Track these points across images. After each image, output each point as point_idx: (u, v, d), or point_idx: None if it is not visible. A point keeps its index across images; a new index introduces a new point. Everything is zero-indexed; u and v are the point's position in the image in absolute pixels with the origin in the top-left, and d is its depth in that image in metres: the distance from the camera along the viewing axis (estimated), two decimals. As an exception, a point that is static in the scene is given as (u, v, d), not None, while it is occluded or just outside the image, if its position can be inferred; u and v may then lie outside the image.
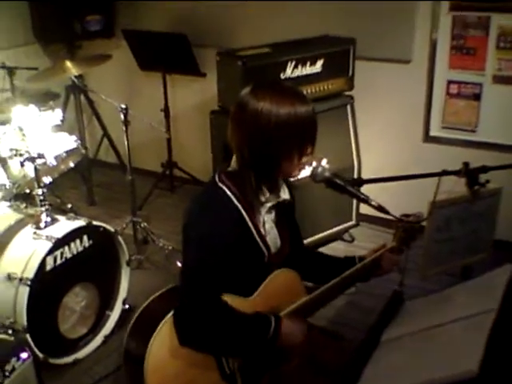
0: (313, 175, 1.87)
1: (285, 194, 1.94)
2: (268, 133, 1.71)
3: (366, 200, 1.88)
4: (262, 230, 1.87)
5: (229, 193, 1.80)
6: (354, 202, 3.90)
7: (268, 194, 1.86)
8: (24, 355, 2.14)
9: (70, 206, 4.10)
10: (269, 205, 1.88)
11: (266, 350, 1.79)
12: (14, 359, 2.10)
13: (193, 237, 1.77)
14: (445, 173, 2.06)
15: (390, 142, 3.98)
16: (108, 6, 4.68)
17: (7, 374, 2.06)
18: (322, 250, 3.82)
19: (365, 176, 3.54)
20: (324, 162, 1.90)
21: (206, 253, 1.72)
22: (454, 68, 3.64)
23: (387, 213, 1.86)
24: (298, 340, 1.83)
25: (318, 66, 3.52)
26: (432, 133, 3.82)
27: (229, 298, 1.78)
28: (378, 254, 2.01)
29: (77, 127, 4.46)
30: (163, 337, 1.71)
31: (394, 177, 2.09)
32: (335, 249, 3.90)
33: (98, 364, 2.91)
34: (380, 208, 1.86)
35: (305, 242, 3.59)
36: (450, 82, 3.68)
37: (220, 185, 1.82)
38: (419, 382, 1.40)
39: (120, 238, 3.04)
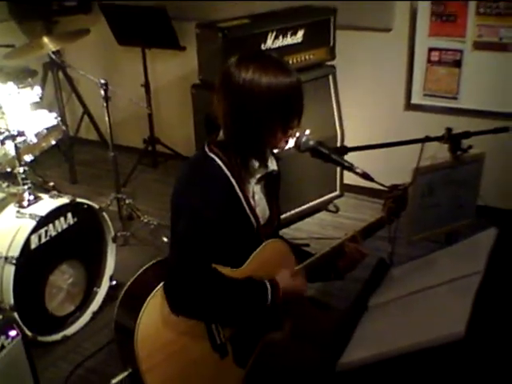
0: (297, 145, 1.87)
1: (272, 165, 1.94)
2: (250, 103, 1.71)
3: (350, 168, 1.88)
4: (251, 200, 1.87)
5: (219, 162, 1.79)
6: (338, 172, 3.91)
7: (257, 165, 1.86)
8: (13, 333, 2.13)
9: (52, 184, 4.07)
10: (258, 176, 1.88)
11: (265, 313, 1.81)
12: (2, 337, 2.09)
13: (184, 206, 1.76)
14: (428, 139, 2.07)
15: (372, 111, 3.98)
16: (84, -20, 4.59)
17: (-4, 352, 2.05)
18: (307, 220, 3.88)
19: (348, 146, 3.55)
20: (307, 133, 1.89)
21: (197, 221, 1.72)
22: (434, 35, 3.63)
23: (372, 180, 1.86)
24: (300, 290, 1.87)
25: (299, 37, 3.50)
26: (414, 100, 3.83)
27: (219, 268, 1.78)
28: (337, 243, 1.97)
29: (56, 105, 4.41)
30: (153, 307, 1.71)
31: (377, 144, 2.10)
32: (320, 219, 3.93)
33: (87, 341, 2.91)
34: (365, 175, 1.87)
35: (290, 213, 3.67)
36: (430, 50, 3.67)
37: (210, 154, 1.81)
38: (407, 344, 1.42)
39: (105, 215, 3.03)
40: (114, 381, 1.75)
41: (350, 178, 3.92)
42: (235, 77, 1.71)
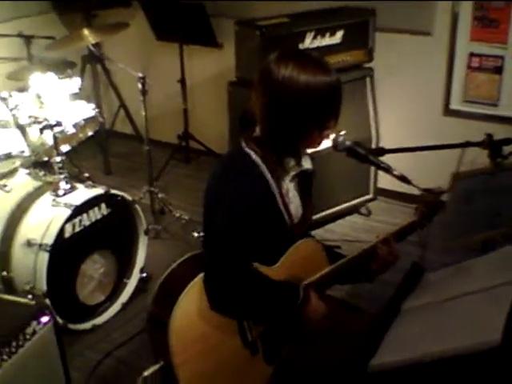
0: (334, 144, 1.86)
1: (307, 164, 1.93)
2: (288, 100, 1.70)
3: (387, 169, 1.86)
4: (285, 197, 1.86)
5: (255, 158, 1.79)
6: (372, 175, 3.88)
7: (292, 163, 1.86)
8: (45, 319, 2.16)
9: (87, 175, 4.11)
10: (292, 173, 1.88)
11: (291, 318, 1.80)
12: (34, 322, 2.12)
13: (220, 199, 1.77)
14: (468, 144, 2.04)
15: (409, 115, 3.93)
16: (125, -25, 4.63)
17: (28, 337, 2.08)
18: (339, 222, 3.86)
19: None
20: (342, 134, 1.88)
21: (238, 213, 1.72)
22: (475, 40, 3.57)
23: (409, 183, 1.84)
24: (319, 315, 1.84)
25: (338, 37, 3.48)
26: (452, 106, 3.77)
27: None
28: (370, 245, 1.95)
29: (93, 97, 4.46)
30: (189, 300, 1.72)
31: (416, 147, 2.08)
32: (353, 222, 3.90)
33: (116, 331, 2.94)
34: (402, 178, 1.85)
35: (322, 214, 3.66)
36: (471, 55, 3.61)
37: (246, 150, 1.81)
38: (441, 350, 1.40)
39: (138, 207, 3.05)
40: (146, 373, 1.75)
41: (383, 182, 3.89)
42: (274, 73, 1.70)
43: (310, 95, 1.70)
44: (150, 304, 1.87)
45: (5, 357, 1.95)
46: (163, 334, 1.69)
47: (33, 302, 2.21)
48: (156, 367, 1.76)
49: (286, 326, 1.87)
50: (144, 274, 3.15)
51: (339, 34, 3.49)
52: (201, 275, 1.73)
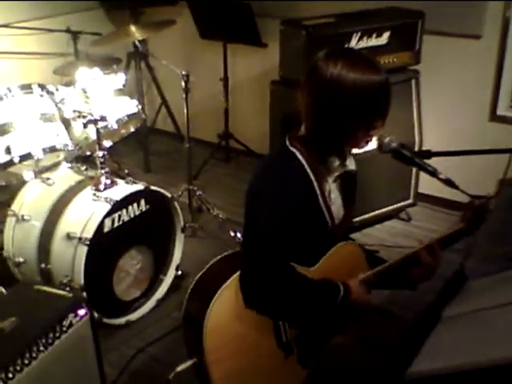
0: (380, 145, 1.83)
1: (351, 165, 1.90)
2: (336, 98, 1.68)
3: (433, 173, 1.81)
4: (327, 198, 1.84)
5: (299, 156, 1.77)
6: (413, 180, 3.80)
7: (336, 163, 1.83)
8: (81, 312, 2.16)
9: (127, 171, 4.15)
10: (336, 174, 1.86)
11: (333, 315, 1.78)
12: (71, 315, 2.12)
13: (265, 197, 1.75)
14: (517, 150, 1.97)
15: (454, 120, 3.85)
16: (172, -27, 4.66)
17: (64, 329, 2.09)
18: (378, 226, 3.80)
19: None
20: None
21: (279, 212, 1.70)
22: (526, 45, 3.48)
23: (456, 187, 1.79)
24: (365, 301, 1.83)
25: (384, 39, 3.42)
26: (499, 112, 3.67)
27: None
28: (413, 250, 1.90)
29: (136, 94, 4.49)
30: (224, 299, 1.71)
31: (463, 151, 2.03)
32: (392, 227, 3.84)
33: (150, 327, 2.95)
34: (448, 181, 1.80)
35: (360, 218, 3.60)
36: (521, 60, 3.52)
37: (291, 148, 1.79)
38: (484, 359, 1.35)
39: (176, 205, 3.06)
40: (178, 368, 1.76)
41: (424, 187, 3.82)
42: (323, 71, 1.68)
43: (358, 94, 1.67)
44: (186, 301, 1.87)
45: (42, 348, 1.95)
46: (198, 331, 1.68)
47: (70, 295, 2.23)
48: (189, 363, 1.76)
49: (325, 325, 1.83)
50: (179, 272, 3.15)
51: (386, 35, 3.43)
52: (237, 274, 1.71)
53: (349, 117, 1.70)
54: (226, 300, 1.71)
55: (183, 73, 3.52)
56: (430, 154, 1.91)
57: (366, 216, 3.68)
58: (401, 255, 1.89)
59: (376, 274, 1.86)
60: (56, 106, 2.95)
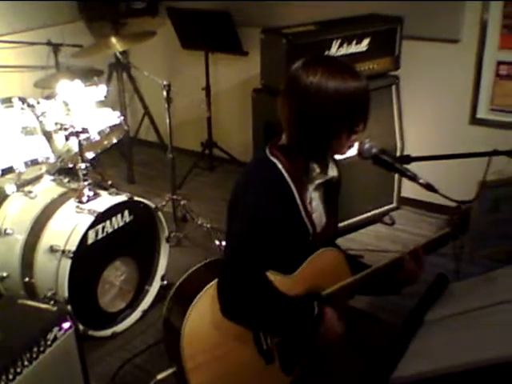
0: (360, 151, 1.84)
1: (333, 172, 1.91)
2: (318, 107, 1.69)
3: (413, 178, 1.83)
4: (308, 206, 1.84)
5: (280, 166, 1.78)
6: (396, 184, 3.83)
7: (318, 171, 1.83)
8: (66, 325, 2.15)
9: (110, 182, 4.13)
10: (317, 182, 1.86)
11: (305, 332, 1.78)
12: (56, 329, 2.11)
13: (242, 207, 1.76)
14: (495, 152, 2.00)
15: (435, 124, 3.88)
16: (152, -16, 4.67)
17: (49, 343, 2.08)
18: (362, 231, 3.82)
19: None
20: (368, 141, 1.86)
21: (254, 224, 1.71)
22: (504, 48, 3.52)
23: (436, 191, 1.81)
24: (334, 335, 1.80)
25: (364, 45, 3.45)
26: (479, 115, 3.71)
27: (271, 274, 1.76)
28: (396, 256, 1.91)
29: (118, 105, 4.49)
30: (203, 305, 1.71)
31: (442, 155, 2.03)
32: (376, 231, 3.86)
33: (136, 338, 2.94)
34: (428, 186, 1.81)
35: (345, 223, 3.62)
36: (499, 63, 3.55)
37: (271, 158, 1.80)
38: (467, 361, 1.36)
39: (160, 215, 3.05)
40: (159, 376, 1.76)
41: (407, 191, 3.85)
42: (303, 80, 1.69)
43: (340, 100, 1.68)
44: (166, 308, 1.87)
45: (26, 362, 1.94)
46: (176, 338, 1.68)
47: (55, 308, 2.21)
48: (169, 371, 1.75)
49: (299, 338, 1.84)
50: (165, 282, 3.14)
51: (365, 42, 3.46)
52: (215, 281, 1.72)
53: (332, 124, 1.71)
54: (205, 306, 1.71)
55: (165, 83, 3.52)
56: (409, 159, 1.92)
57: (350, 221, 3.70)
58: (384, 261, 1.90)
59: (356, 281, 1.87)
60: (37, 119, 2.93)
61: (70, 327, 2.18)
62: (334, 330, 1.80)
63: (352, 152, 1.86)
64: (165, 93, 3.54)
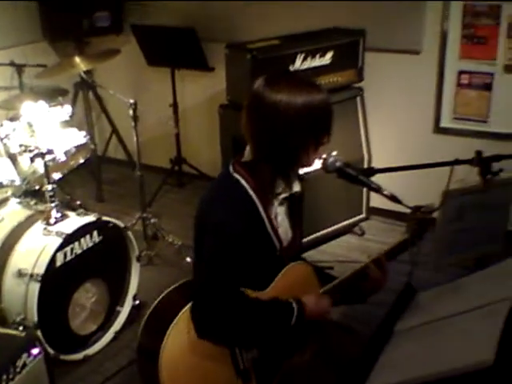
0: (324, 165, 1.86)
1: (296, 186, 1.92)
2: (288, 124, 1.69)
3: (377, 189, 1.85)
4: (274, 222, 1.85)
5: (243, 182, 1.78)
6: (364, 195, 3.88)
7: (283, 186, 1.84)
8: (35, 351, 2.13)
9: (79, 202, 4.10)
10: (282, 197, 1.87)
11: (292, 334, 1.78)
12: (25, 355, 2.09)
13: (207, 226, 1.76)
14: (457, 162, 2.04)
15: (400, 134, 3.94)
16: (116, 2, 4.66)
17: (18, 370, 2.05)
18: (332, 243, 3.84)
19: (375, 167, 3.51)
20: (334, 154, 1.88)
21: (221, 240, 1.71)
22: (464, 58, 3.60)
23: (399, 202, 1.83)
24: (324, 312, 1.84)
25: (328, 58, 3.50)
26: (443, 124, 3.78)
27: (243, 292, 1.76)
28: (360, 266, 1.94)
29: (86, 124, 4.46)
30: (179, 330, 1.70)
31: (405, 166, 2.07)
32: (346, 242, 3.88)
33: (109, 360, 2.90)
34: (392, 197, 1.84)
35: (315, 235, 3.64)
36: (460, 73, 3.63)
37: (234, 175, 1.80)
38: (434, 371, 1.38)
39: (130, 234, 3.03)
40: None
41: (376, 201, 3.88)
42: (266, 97, 1.69)
43: (305, 115, 1.69)
44: (140, 334, 1.85)
45: (-6, 391, 1.92)
46: (153, 364, 1.66)
47: (23, 334, 2.18)
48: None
49: (283, 346, 1.83)
50: (137, 302, 3.11)
51: (329, 55, 3.51)
52: (190, 304, 1.71)
53: (300, 138, 1.72)
54: (181, 331, 1.70)
55: (131, 101, 3.51)
56: (373, 171, 1.95)
57: (321, 233, 3.72)
58: (349, 271, 1.92)
59: (327, 292, 1.88)
60: (1, 141, 2.90)
61: (40, 353, 2.16)
62: (320, 311, 1.84)
63: (316, 165, 1.88)
64: (131, 111, 3.53)
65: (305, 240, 2.17)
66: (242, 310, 1.71)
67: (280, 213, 1.89)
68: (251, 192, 1.78)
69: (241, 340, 1.78)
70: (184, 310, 1.71)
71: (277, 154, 1.75)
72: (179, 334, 1.70)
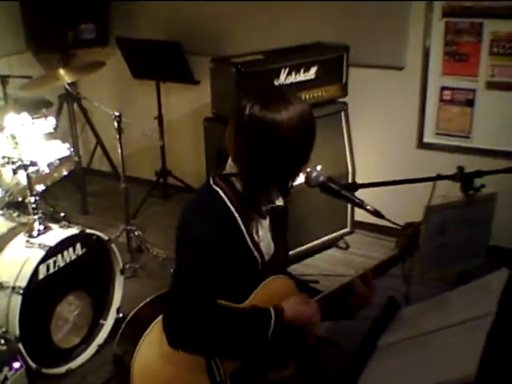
0: (307, 180, 1.86)
1: (279, 201, 1.92)
2: (271, 141, 1.69)
3: (360, 204, 1.86)
4: (255, 236, 1.85)
5: (223, 195, 1.78)
6: (349, 209, 3.90)
7: (264, 200, 1.84)
8: (16, 365, 2.12)
9: (62, 214, 4.07)
10: (263, 210, 1.86)
11: (270, 341, 1.75)
12: (6, 369, 2.08)
13: (186, 237, 1.76)
14: (439, 177, 2.05)
15: (383, 149, 3.98)
16: (101, 15, 4.67)
17: (-1, 383, 2.04)
18: (317, 256, 3.85)
19: (359, 182, 3.53)
20: (318, 168, 1.89)
21: (198, 253, 1.70)
22: (447, 74, 3.65)
23: (383, 217, 1.85)
24: (306, 317, 1.80)
25: (312, 73, 3.53)
26: (426, 139, 3.83)
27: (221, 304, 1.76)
28: (347, 280, 1.92)
29: (70, 135, 4.45)
30: (152, 340, 1.70)
31: (388, 181, 2.08)
32: (331, 256, 3.90)
33: (92, 374, 2.88)
34: (375, 212, 1.85)
35: (299, 249, 3.65)
36: (443, 89, 3.68)
37: (214, 187, 1.80)
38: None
39: (114, 247, 3.02)
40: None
41: (360, 215, 3.90)
42: (250, 114, 1.69)
43: (286, 130, 1.69)
44: (116, 344, 1.85)
45: (-26, 406, 1.90)
46: (126, 375, 1.66)
47: (4, 348, 2.17)
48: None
49: (262, 357, 1.83)
50: (120, 315, 3.10)
51: (313, 70, 3.54)
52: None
53: (283, 156, 1.72)
54: (153, 341, 1.70)
55: (115, 113, 3.51)
56: (356, 186, 1.97)
57: (305, 247, 3.73)
58: (335, 286, 1.92)
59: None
60: (-16, 153, 2.88)
61: (21, 366, 2.15)
62: (304, 315, 1.80)
63: (302, 178, 1.89)
64: (116, 123, 3.53)
65: (289, 253, 2.16)
66: (215, 318, 1.70)
67: (261, 226, 1.89)
68: (230, 205, 1.78)
69: (215, 348, 1.75)
70: (157, 319, 1.71)
71: (258, 171, 1.75)
72: (152, 343, 1.70)
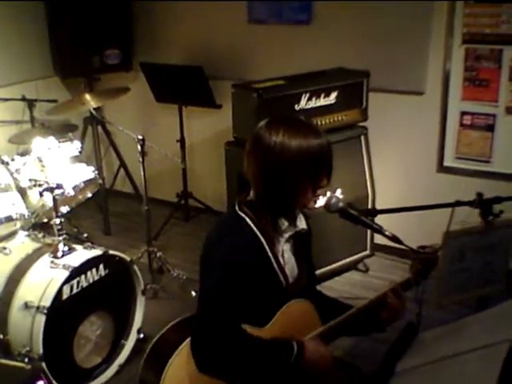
0: (327, 205, 1.90)
1: (302, 224, 1.96)
2: (281, 167, 1.75)
3: (379, 230, 1.89)
4: (280, 259, 1.88)
5: (249, 221, 1.83)
6: (369, 232, 3.90)
7: (286, 225, 1.88)
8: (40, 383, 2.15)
9: (86, 235, 4.15)
10: (287, 235, 1.90)
11: (288, 375, 1.78)
12: (29, 388, 2.10)
13: (213, 262, 1.79)
14: (458, 203, 2.07)
15: (404, 173, 4.00)
16: (126, 40, 4.78)
17: (23, 402, 2.07)
18: (337, 279, 3.86)
19: (379, 206, 3.54)
20: (338, 193, 1.92)
21: (226, 278, 1.74)
22: (467, 99, 3.67)
23: (401, 243, 1.87)
24: (322, 364, 1.82)
25: (332, 98, 3.56)
26: (446, 163, 3.83)
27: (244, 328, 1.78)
28: (379, 294, 1.97)
29: (94, 157, 4.54)
30: (178, 365, 1.72)
31: (407, 207, 2.11)
32: (350, 279, 3.90)
33: (113, 394, 2.91)
34: (394, 238, 1.88)
35: (319, 271, 3.65)
36: (463, 114, 3.70)
37: (240, 213, 1.85)
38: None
39: (135, 267, 3.06)
40: None
41: (381, 238, 3.84)
42: (266, 140, 1.76)
43: (302, 158, 1.74)
44: (141, 369, 1.87)
45: (-1, 423, 1.93)
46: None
47: (28, 367, 2.20)
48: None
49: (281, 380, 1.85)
50: (141, 335, 3.13)
51: (334, 95, 3.57)
52: (189, 339, 1.73)
53: (296, 181, 1.77)
54: (180, 365, 1.72)
55: (139, 137, 3.58)
56: (375, 212, 2.00)
57: (325, 269, 3.74)
58: (368, 299, 1.94)
59: (342, 322, 1.91)
60: (11, 175, 2.96)
61: (45, 385, 2.17)
62: (322, 358, 1.82)
63: (322, 202, 1.92)
64: (139, 146, 3.59)
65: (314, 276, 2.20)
66: (242, 347, 1.73)
67: (286, 250, 1.93)
68: (256, 230, 1.82)
69: (239, 375, 1.78)
70: (184, 343, 1.73)
71: (273, 196, 1.81)
72: (178, 367, 1.72)
